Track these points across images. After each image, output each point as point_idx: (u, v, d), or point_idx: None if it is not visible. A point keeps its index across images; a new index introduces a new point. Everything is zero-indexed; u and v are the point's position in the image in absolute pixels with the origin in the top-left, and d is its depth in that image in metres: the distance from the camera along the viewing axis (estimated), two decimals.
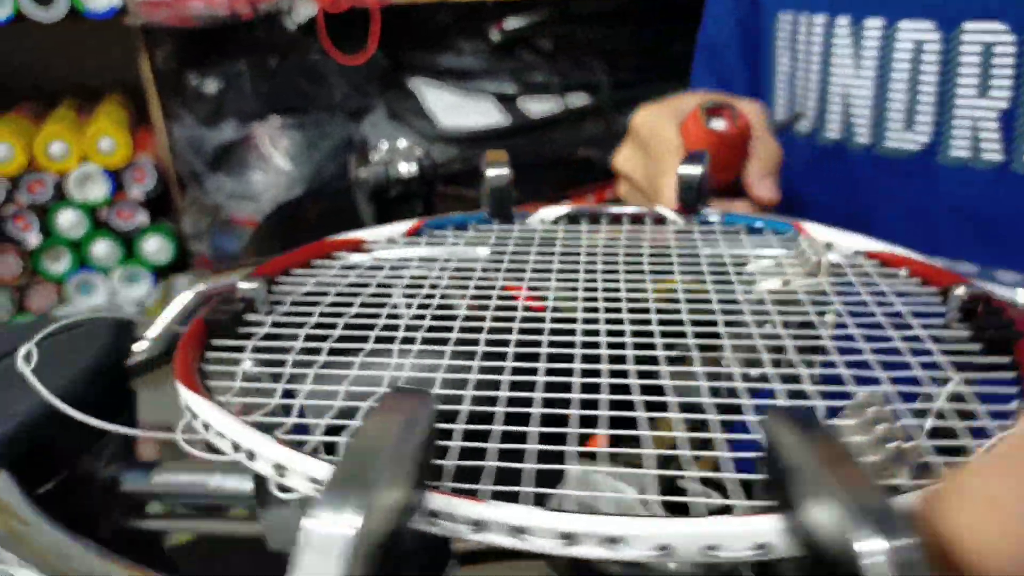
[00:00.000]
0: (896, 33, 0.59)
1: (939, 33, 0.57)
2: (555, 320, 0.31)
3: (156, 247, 1.54)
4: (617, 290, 0.34)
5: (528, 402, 0.25)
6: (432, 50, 1.66)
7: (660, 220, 0.44)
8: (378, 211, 0.69)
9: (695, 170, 0.43)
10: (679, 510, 0.23)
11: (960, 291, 0.32)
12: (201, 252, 1.62)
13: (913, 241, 0.40)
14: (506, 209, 0.43)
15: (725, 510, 0.21)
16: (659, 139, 0.54)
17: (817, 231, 0.41)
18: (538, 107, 1.63)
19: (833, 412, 0.26)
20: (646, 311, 0.32)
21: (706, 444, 0.24)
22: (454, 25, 1.65)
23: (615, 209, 0.45)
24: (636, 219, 0.44)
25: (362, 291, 0.33)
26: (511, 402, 0.25)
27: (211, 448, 0.25)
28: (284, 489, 0.23)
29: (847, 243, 0.40)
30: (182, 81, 1.57)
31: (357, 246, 0.39)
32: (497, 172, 0.43)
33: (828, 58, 0.64)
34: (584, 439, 0.25)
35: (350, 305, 0.32)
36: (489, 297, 0.33)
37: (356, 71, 1.62)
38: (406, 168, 0.66)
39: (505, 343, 0.29)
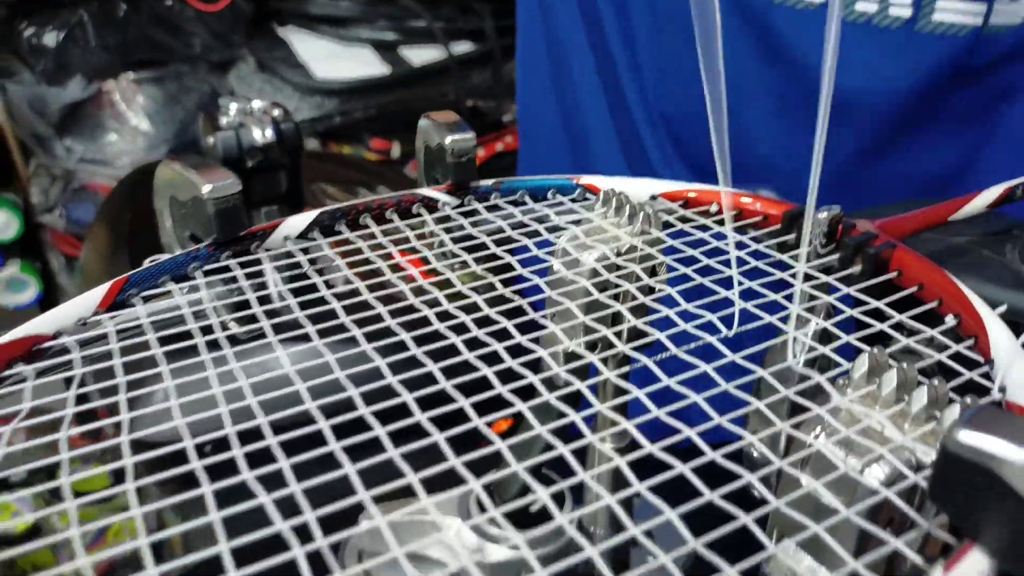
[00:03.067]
0: None
1: None
2: None
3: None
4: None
5: None
6: None
7: (431, 204, 0.37)
8: None
9: (466, 139, 0.37)
10: None
11: (823, 215, 0.32)
12: (54, 225, 1.46)
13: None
14: (236, 229, 0.33)
15: None
16: None
17: (602, 182, 0.38)
18: (420, 56, 1.52)
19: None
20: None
21: None
22: None
23: (372, 201, 0.36)
24: (404, 211, 0.36)
25: None
26: None
27: None
28: None
29: (639, 189, 0.38)
30: (15, 33, 1.39)
31: (32, 347, 0.27)
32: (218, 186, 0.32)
33: None
34: None
35: None
36: None
37: (218, 18, 1.48)
38: (260, 134, 0.56)
39: None
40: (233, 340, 0.26)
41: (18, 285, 1.43)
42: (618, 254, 0.29)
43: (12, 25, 1.39)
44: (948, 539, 0.19)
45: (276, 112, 0.56)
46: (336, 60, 1.49)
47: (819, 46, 0.53)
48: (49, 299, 1.49)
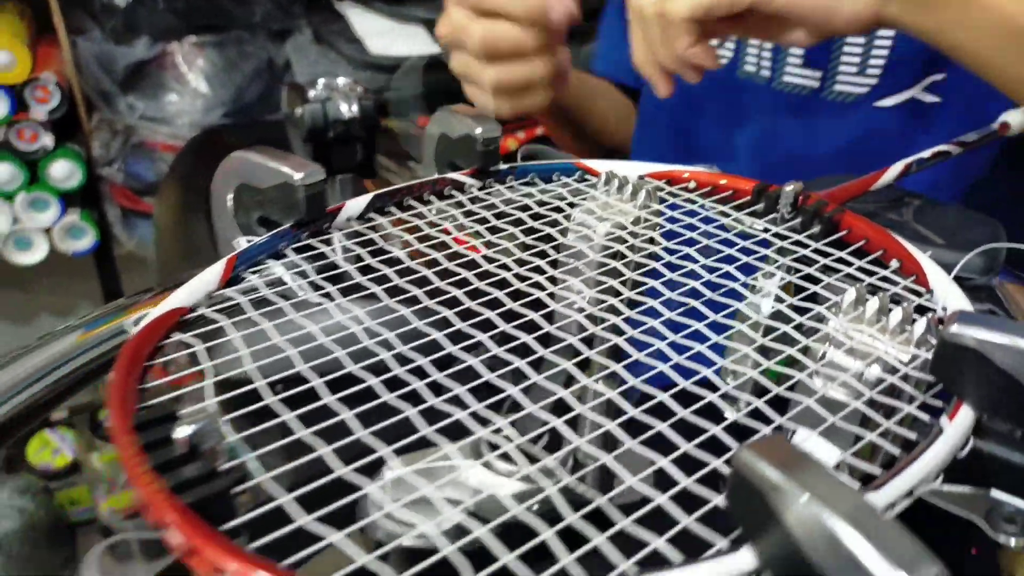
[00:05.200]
0: None
1: None
2: None
3: (63, 172, 1.45)
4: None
5: None
6: None
7: (459, 187, 0.42)
8: (315, 152, 0.65)
9: (495, 128, 0.42)
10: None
11: (790, 188, 0.39)
12: (113, 178, 1.54)
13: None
14: (321, 211, 0.37)
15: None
16: None
17: (598, 164, 0.44)
18: None
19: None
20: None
21: None
22: None
23: (412, 185, 0.42)
24: (438, 193, 0.42)
25: None
26: None
27: None
28: None
29: (628, 171, 0.43)
30: None
31: (177, 319, 0.30)
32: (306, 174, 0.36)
33: None
34: None
35: None
36: None
37: None
38: (346, 108, 0.62)
39: None
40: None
41: (77, 232, 1.50)
42: (622, 227, 0.36)
43: None
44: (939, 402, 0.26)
45: (359, 89, 0.62)
46: (390, 36, 1.54)
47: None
48: (104, 248, 1.57)
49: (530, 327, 0.31)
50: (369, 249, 0.37)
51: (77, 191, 1.48)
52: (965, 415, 0.25)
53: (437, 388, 0.25)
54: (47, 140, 1.42)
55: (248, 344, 0.28)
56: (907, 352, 0.27)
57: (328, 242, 0.38)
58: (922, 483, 0.22)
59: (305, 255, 0.36)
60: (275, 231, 0.37)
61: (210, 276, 0.33)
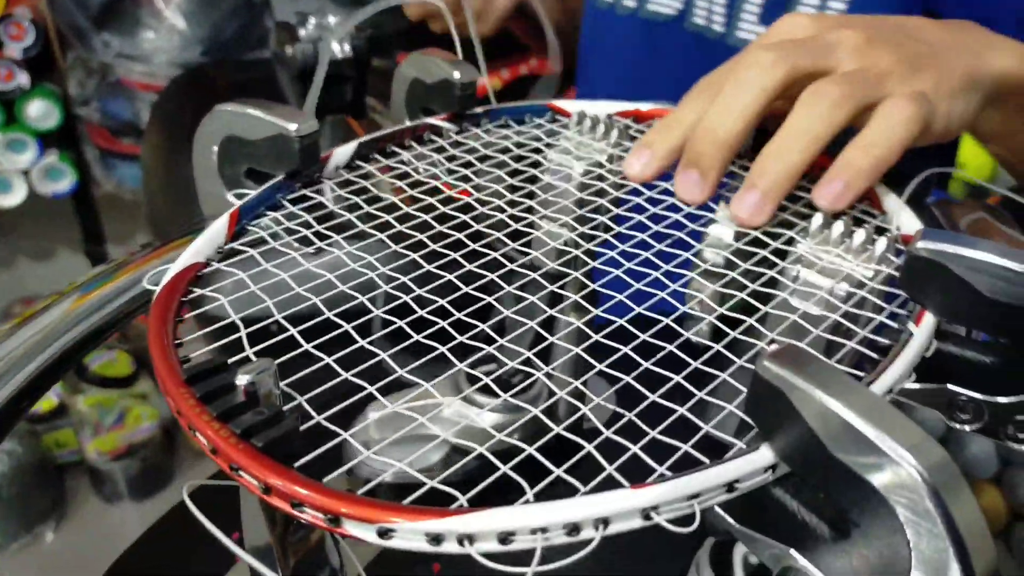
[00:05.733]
0: None
1: None
2: None
3: (40, 111, 1.43)
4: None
5: None
6: None
7: (437, 131, 0.43)
8: (304, 92, 0.65)
9: (473, 71, 0.43)
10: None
11: None
12: (90, 118, 1.51)
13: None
14: (315, 161, 0.37)
15: None
16: None
17: (568, 105, 0.45)
18: None
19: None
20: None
21: None
22: None
23: (395, 132, 0.42)
24: (418, 138, 0.42)
25: None
26: None
27: None
28: None
29: (599, 110, 0.44)
30: None
31: (194, 274, 0.31)
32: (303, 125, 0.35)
33: None
34: None
35: None
36: None
37: None
38: (339, 48, 0.61)
39: None
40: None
41: (56, 174, 1.49)
42: (599, 165, 0.37)
43: None
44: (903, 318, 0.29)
45: (351, 30, 0.61)
46: None
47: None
48: (83, 190, 1.55)
49: (531, 265, 0.32)
50: (364, 197, 0.37)
51: (55, 132, 1.45)
52: (929, 320, 0.27)
53: (457, 325, 0.27)
54: (23, 79, 1.39)
55: (269, 294, 0.29)
56: (871, 268, 0.29)
57: (321, 191, 0.38)
58: (899, 381, 0.25)
59: (303, 205, 0.36)
60: (271, 183, 0.37)
61: (217, 232, 0.33)
